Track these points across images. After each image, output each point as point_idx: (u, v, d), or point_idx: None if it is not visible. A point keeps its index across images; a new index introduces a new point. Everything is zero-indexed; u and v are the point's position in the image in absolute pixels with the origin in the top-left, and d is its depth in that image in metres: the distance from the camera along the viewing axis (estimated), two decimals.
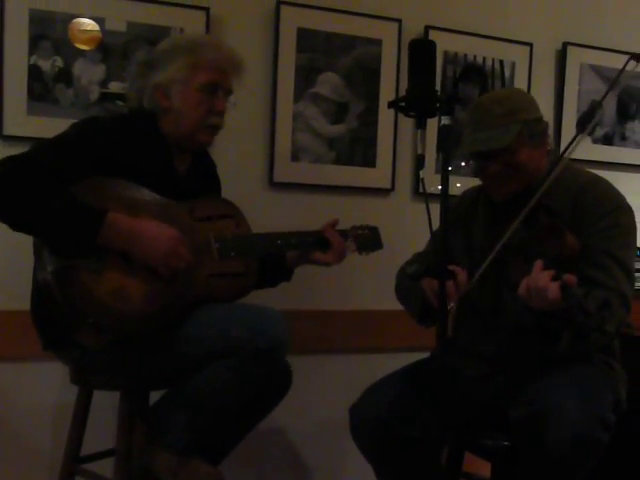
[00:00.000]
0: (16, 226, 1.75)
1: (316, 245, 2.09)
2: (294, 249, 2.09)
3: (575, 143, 1.73)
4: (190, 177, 2.03)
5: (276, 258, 2.15)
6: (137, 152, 1.89)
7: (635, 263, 1.92)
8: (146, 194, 1.88)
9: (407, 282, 2.02)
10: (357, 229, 2.20)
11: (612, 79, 1.80)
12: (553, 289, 1.55)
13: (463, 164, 2.75)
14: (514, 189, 1.94)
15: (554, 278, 1.56)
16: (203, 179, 2.09)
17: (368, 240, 2.21)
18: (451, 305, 1.71)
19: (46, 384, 2.36)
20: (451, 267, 1.78)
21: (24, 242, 1.84)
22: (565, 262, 1.65)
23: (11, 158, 1.75)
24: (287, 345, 1.87)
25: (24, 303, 1.92)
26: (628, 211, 1.92)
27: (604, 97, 1.75)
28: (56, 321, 1.82)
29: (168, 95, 1.94)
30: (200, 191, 2.03)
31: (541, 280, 1.57)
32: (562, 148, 2.91)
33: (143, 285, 1.82)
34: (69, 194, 1.74)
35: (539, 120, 1.96)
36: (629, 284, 1.84)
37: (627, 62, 1.75)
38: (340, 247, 2.10)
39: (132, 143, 1.89)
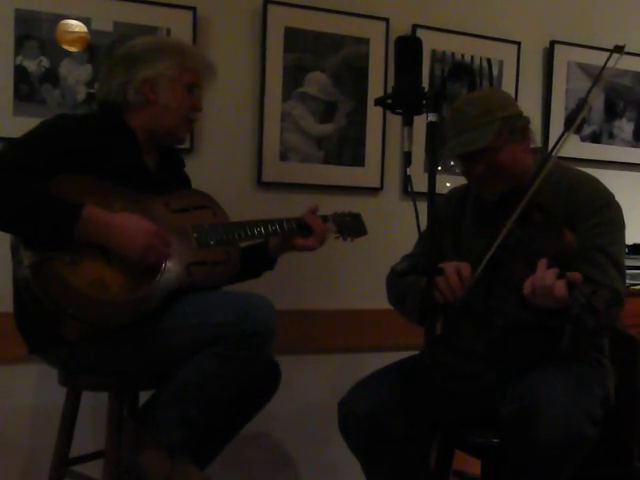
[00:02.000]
0: None
1: (297, 231, 2.10)
2: (274, 236, 2.09)
3: (563, 140, 1.73)
4: (160, 172, 2.04)
5: (258, 247, 2.15)
6: (106, 147, 1.89)
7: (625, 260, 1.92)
8: (120, 189, 1.88)
9: (402, 283, 2.00)
10: (339, 215, 2.21)
11: (597, 74, 1.80)
12: (560, 287, 1.54)
13: (452, 163, 2.75)
14: (502, 187, 1.93)
15: (559, 276, 1.56)
16: (173, 175, 2.10)
17: (351, 226, 2.23)
18: (458, 300, 1.74)
19: (34, 386, 2.34)
20: (454, 263, 1.78)
21: (4, 243, 1.83)
22: (564, 259, 1.65)
23: None
24: (274, 328, 1.86)
25: (8, 305, 1.91)
26: (618, 207, 1.93)
27: (589, 92, 1.75)
28: (38, 318, 1.81)
29: (155, 89, 1.97)
30: (171, 186, 2.03)
31: (547, 279, 1.56)
32: (550, 146, 2.95)
33: (121, 275, 1.82)
34: (43, 189, 1.74)
35: (518, 116, 1.95)
36: (621, 280, 1.84)
37: (610, 54, 1.75)
38: (321, 231, 2.11)
39: (101, 139, 1.89)
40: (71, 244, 1.75)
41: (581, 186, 1.92)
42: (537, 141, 2.09)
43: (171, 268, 1.89)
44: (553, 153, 1.79)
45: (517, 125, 1.93)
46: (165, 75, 1.96)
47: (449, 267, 1.76)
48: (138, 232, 1.80)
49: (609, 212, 1.89)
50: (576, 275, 1.55)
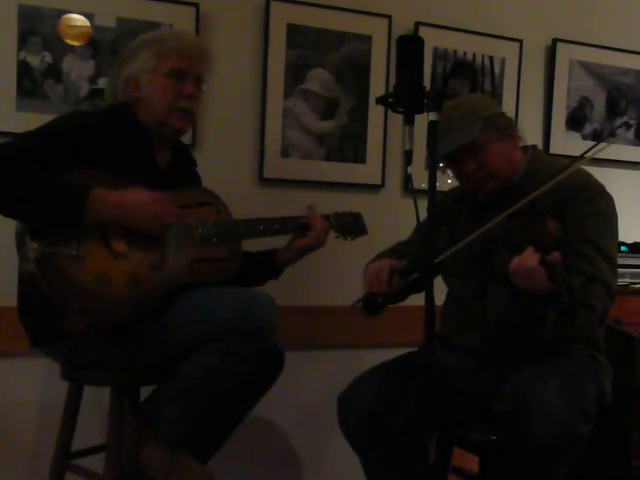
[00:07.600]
0: (3, 208, 1.75)
1: (298, 230, 2.12)
2: (276, 234, 2.11)
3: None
4: (171, 171, 2.05)
5: (265, 255, 2.17)
6: (119, 144, 1.91)
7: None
8: (126, 184, 1.89)
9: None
10: (339, 215, 2.23)
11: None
12: (539, 272, 1.57)
13: (441, 164, 2.75)
14: (495, 186, 1.95)
15: (542, 262, 1.58)
16: (184, 174, 2.11)
17: (351, 226, 2.25)
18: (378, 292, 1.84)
19: (36, 380, 2.36)
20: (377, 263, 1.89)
21: (9, 238, 1.84)
22: (548, 246, 1.66)
23: None
24: (276, 324, 1.88)
25: (11, 299, 1.92)
26: (608, 198, 1.92)
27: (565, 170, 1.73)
28: (42, 311, 1.83)
29: (138, 86, 1.98)
30: (180, 185, 2.04)
31: (530, 261, 1.59)
32: (551, 144, 2.97)
33: (126, 271, 1.83)
34: (53, 174, 1.75)
35: (501, 115, 1.99)
36: (612, 272, 1.83)
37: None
38: (322, 227, 2.13)
39: (114, 135, 1.91)
40: (80, 227, 1.76)
41: (571, 178, 1.93)
42: (523, 138, 2.11)
43: (174, 264, 1.90)
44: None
45: (501, 123, 1.96)
46: (143, 69, 1.97)
47: (372, 267, 1.91)
48: (146, 201, 1.84)
49: (599, 203, 1.89)
50: (555, 255, 1.56)
